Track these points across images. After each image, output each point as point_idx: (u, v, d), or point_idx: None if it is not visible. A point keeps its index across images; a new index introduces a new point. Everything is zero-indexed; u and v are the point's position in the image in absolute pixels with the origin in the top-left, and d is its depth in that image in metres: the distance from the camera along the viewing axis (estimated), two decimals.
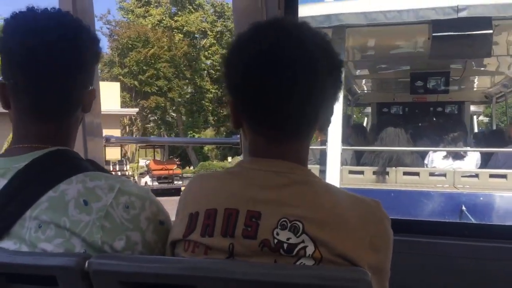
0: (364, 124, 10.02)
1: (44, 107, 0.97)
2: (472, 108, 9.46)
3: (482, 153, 4.49)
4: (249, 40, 0.89)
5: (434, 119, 7.65)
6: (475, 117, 9.94)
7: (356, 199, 0.87)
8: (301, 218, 0.81)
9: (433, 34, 3.72)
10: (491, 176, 4.02)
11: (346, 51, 5.79)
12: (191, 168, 26.41)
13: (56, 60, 0.94)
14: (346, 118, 6.14)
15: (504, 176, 3.97)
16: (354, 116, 11.87)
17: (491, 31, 3.63)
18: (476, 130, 8.84)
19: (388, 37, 4.96)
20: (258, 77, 0.85)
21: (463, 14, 3.53)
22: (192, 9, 29.75)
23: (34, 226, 0.87)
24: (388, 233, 0.86)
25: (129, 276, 0.78)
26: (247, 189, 0.86)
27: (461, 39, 3.71)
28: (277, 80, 0.84)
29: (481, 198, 3.63)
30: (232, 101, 0.93)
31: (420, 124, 6.82)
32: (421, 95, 7.56)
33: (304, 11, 3.98)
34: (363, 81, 8.67)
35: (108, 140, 1.91)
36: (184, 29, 29.02)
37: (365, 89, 9.21)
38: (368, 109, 10.53)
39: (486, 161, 4.34)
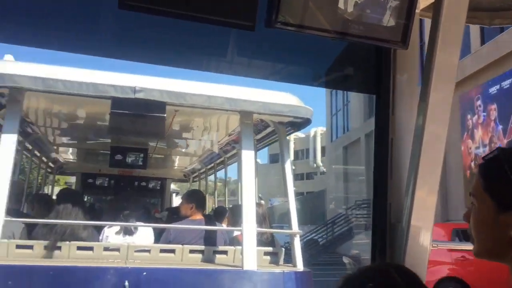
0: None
1: None
2: (172, 186, 10.16)
3: (158, 229, 4.71)
4: None
5: (132, 193, 7.83)
6: (174, 194, 10.67)
7: None
8: None
9: (112, 110, 3.83)
10: (162, 251, 4.20)
11: (42, 117, 5.49)
12: None
13: None
14: (19, 185, 5.67)
15: (173, 251, 4.20)
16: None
17: (164, 115, 3.95)
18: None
19: (76, 107, 4.92)
20: None
21: (140, 95, 3.76)
22: None
23: None
24: None
25: None
26: None
27: (137, 118, 3.93)
28: None
29: (145, 273, 3.72)
30: None
31: (112, 198, 6.84)
32: (125, 169, 7.70)
33: None
34: (69, 150, 8.36)
35: None
36: None
37: (70, 158, 8.87)
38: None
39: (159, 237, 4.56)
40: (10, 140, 3.67)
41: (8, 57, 4.05)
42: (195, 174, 9.44)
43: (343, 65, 2.51)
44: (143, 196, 9.15)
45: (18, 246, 3.93)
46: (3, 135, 3.67)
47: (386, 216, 2.14)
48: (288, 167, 4.59)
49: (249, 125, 4.29)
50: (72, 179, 11.10)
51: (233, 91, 4.18)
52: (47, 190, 9.24)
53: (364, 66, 2.53)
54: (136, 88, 3.73)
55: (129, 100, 3.74)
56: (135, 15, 2.01)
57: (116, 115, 3.87)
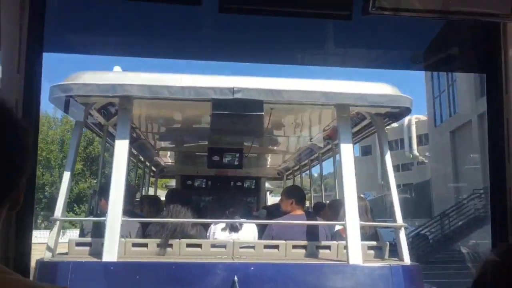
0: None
1: None
2: (267, 184, 10.31)
3: (260, 225, 4.81)
4: None
5: (231, 192, 8.06)
6: (268, 192, 10.82)
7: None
8: None
9: (213, 112, 3.99)
10: (266, 247, 4.29)
11: (144, 123, 5.86)
12: None
13: None
14: (133, 188, 6.04)
15: (276, 247, 4.27)
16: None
17: (262, 113, 4.04)
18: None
19: (178, 111, 5.18)
20: None
21: (238, 95, 3.87)
22: None
23: None
24: None
25: None
26: None
27: (237, 118, 4.06)
28: None
29: (252, 268, 3.82)
30: None
31: (216, 197, 7.09)
32: (222, 169, 7.97)
33: (88, 78, 3.93)
34: (167, 153, 8.81)
35: None
36: None
37: (170, 161, 9.34)
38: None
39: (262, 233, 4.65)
40: (123, 146, 3.97)
41: (117, 68, 4.38)
42: (288, 172, 9.51)
43: (446, 45, 2.39)
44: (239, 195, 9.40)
45: (134, 245, 4.22)
46: (117, 141, 3.97)
47: (506, 202, 2.01)
48: (389, 159, 4.46)
49: (346, 119, 4.25)
50: (171, 182, 11.68)
51: (328, 85, 4.16)
52: (150, 193, 9.80)
53: (469, 44, 2.39)
54: (235, 88, 3.85)
55: (228, 101, 3.87)
56: (232, 18, 2.09)
57: (217, 116, 4.02)
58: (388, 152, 4.52)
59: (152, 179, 9.77)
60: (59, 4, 1.86)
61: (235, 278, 3.63)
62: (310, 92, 4.08)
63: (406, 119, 44.51)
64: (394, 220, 4.28)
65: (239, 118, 4.08)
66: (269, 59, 2.81)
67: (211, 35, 2.29)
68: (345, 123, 4.25)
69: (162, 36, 2.29)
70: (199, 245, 4.24)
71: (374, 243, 4.37)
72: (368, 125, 5.04)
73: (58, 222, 4.04)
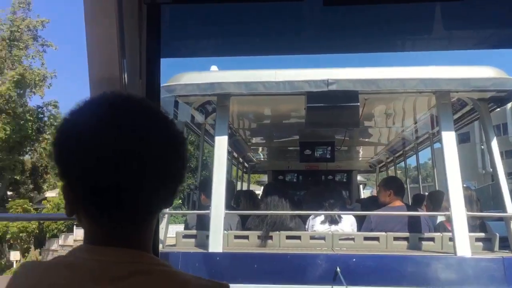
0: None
1: None
2: (359, 177, 10.13)
3: (357, 218, 4.76)
4: (80, 119, 0.85)
5: (324, 186, 8.04)
6: (361, 186, 10.61)
7: (202, 285, 0.83)
8: None
9: (308, 105, 4.01)
10: (365, 238, 4.24)
11: (237, 120, 6.03)
12: None
13: None
14: (230, 183, 6.23)
15: (376, 238, 4.21)
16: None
17: (357, 104, 3.99)
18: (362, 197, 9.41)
19: (272, 106, 5.26)
20: (94, 158, 0.79)
21: (332, 87, 3.86)
22: None
23: None
24: None
25: None
26: (78, 283, 0.78)
27: (332, 109, 4.04)
28: (114, 165, 0.79)
29: (354, 260, 3.80)
30: (65, 185, 0.86)
31: (308, 191, 7.11)
32: (313, 163, 7.99)
33: (187, 78, 4.13)
34: (259, 149, 8.97)
35: None
36: None
37: (261, 157, 9.51)
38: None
39: (360, 225, 4.60)
40: (223, 142, 4.13)
41: (214, 67, 4.56)
42: (381, 164, 9.28)
43: None
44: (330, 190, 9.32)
45: (236, 237, 4.37)
46: (216, 138, 4.14)
47: None
48: (495, 147, 4.21)
49: (447, 105, 4.07)
50: (263, 177, 11.85)
51: (426, 71, 4.01)
52: (244, 188, 10.03)
53: None
54: (329, 80, 3.85)
55: (323, 93, 3.88)
56: (333, 10, 2.09)
57: (311, 109, 4.04)
58: (495, 138, 4.26)
59: (245, 175, 10.01)
60: (171, 15, 1.98)
61: (338, 269, 3.64)
62: (408, 80, 3.96)
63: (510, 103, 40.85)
64: (504, 210, 4.03)
65: (334, 110, 4.07)
66: (368, 48, 2.77)
67: (311, 30, 2.32)
68: (446, 110, 4.07)
69: (263, 33, 2.35)
70: (299, 237, 4.29)
71: (482, 234, 4.16)
72: (470, 111, 4.78)
73: (166, 216, 4.29)
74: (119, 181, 0.80)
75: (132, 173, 0.80)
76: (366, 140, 7.51)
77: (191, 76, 4.13)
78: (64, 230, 27.91)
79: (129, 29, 1.62)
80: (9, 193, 30.50)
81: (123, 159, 0.80)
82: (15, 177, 28.62)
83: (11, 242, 27.57)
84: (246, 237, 4.37)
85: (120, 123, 0.82)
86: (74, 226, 26.94)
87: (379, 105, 5.18)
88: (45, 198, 30.89)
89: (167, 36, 1.91)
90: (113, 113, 0.84)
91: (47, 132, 28.44)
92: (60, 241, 27.61)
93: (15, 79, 25.84)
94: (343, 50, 2.56)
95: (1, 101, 25.54)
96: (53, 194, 30.52)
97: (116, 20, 1.48)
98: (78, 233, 26.45)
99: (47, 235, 28.67)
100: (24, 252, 27.83)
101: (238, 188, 8.30)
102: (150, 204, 0.86)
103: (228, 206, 4.63)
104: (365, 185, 12.09)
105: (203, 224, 4.36)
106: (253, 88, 3.99)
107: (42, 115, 28.92)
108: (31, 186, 31.80)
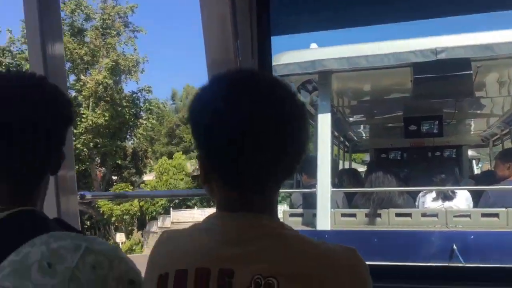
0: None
1: (11, 168, 0.96)
2: (470, 153, 9.50)
3: (473, 194, 4.48)
4: (211, 95, 0.89)
5: (430, 163, 7.66)
6: (474, 161, 9.94)
7: (330, 249, 0.84)
8: (275, 274, 0.77)
9: (414, 77, 3.83)
10: (483, 215, 4.00)
11: (336, 97, 5.94)
12: None
13: (27, 120, 0.95)
14: (335, 162, 6.17)
15: (496, 215, 3.95)
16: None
17: (470, 72, 3.73)
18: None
19: (375, 81, 5.10)
20: (224, 132, 0.83)
21: (441, 56, 3.65)
22: None
23: None
24: (366, 281, 0.84)
25: None
26: (217, 246, 0.83)
27: (441, 80, 3.82)
28: (243, 135, 0.82)
29: (472, 237, 3.60)
30: (200, 155, 0.91)
31: (414, 168, 6.84)
32: (418, 139, 7.63)
33: (287, 58, 4.14)
34: (360, 127, 8.78)
35: (83, 197, 1.85)
36: None
37: (362, 135, 9.30)
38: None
39: (476, 201, 4.34)
40: (326, 120, 4.10)
41: (313, 45, 4.52)
42: (495, 137, 8.61)
43: None
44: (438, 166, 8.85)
45: (343, 215, 4.35)
46: (319, 116, 4.13)
47: None
48: None
49: None
50: (366, 157, 11.59)
51: None
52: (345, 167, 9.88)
53: None
54: (437, 49, 3.64)
55: (431, 63, 3.68)
56: None
57: (418, 81, 3.86)
58: None
59: (346, 155, 9.86)
60: None
61: (454, 246, 3.48)
62: None
63: None
64: None
65: (444, 81, 3.84)
66: (484, 7, 2.55)
67: None
68: None
69: (350, 4, 2.26)
70: (409, 215, 4.16)
71: None
72: None
73: None
74: (247, 152, 0.83)
75: (259, 145, 0.83)
76: (478, 111, 7.01)
77: (291, 55, 4.14)
78: (162, 212, 29.23)
79: (241, 11, 1.66)
80: (114, 177, 32.47)
81: (252, 131, 0.83)
82: (117, 162, 30.11)
83: (116, 224, 29.55)
84: (354, 215, 4.33)
85: (250, 97, 0.85)
86: (171, 208, 28.33)
87: (493, 72, 4.79)
88: (143, 182, 32.81)
89: (276, 13, 1.93)
90: (242, 88, 0.87)
91: (143, 118, 29.78)
92: (159, 223, 28.90)
93: (109, 66, 26.87)
94: (454, 13, 2.40)
95: (99, 89, 26.67)
96: (150, 177, 32.33)
97: (229, 5, 1.53)
98: (175, 216, 27.76)
99: (147, 218, 30.40)
100: (128, 234, 29.83)
101: (343, 167, 8.22)
102: (276, 174, 0.89)
103: (332, 185, 4.62)
104: (479, 160, 11.29)
105: (308, 202, 4.40)
106: (356, 63, 3.90)
107: (138, 101, 29.81)
108: (133, 170, 33.55)
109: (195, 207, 28.56)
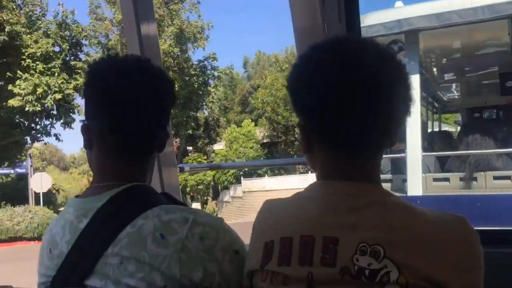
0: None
1: (128, 146, 1.01)
2: None
3: None
4: (311, 62, 0.89)
5: None
6: None
7: (439, 217, 0.81)
8: (381, 241, 0.76)
9: None
10: None
11: (424, 57, 5.65)
12: None
13: (141, 100, 0.98)
14: (425, 125, 5.91)
15: None
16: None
17: None
18: None
19: (467, 37, 4.77)
20: (327, 97, 0.83)
21: None
22: None
23: (116, 262, 0.89)
24: (476, 250, 0.80)
25: None
26: (321, 214, 0.83)
27: None
28: (347, 99, 0.82)
29: None
30: (302, 124, 0.91)
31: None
32: None
33: (371, 19, 3.97)
34: (450, 86, 8.31)
35: (182, 170, 1.94)
36: None
37: (454, 94, 8.81)
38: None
39: None
40: (414, 82, 3.89)
41: (398, 3, 4.29)
42: None
43: None
44: None
45: (435, 179, 4.19)
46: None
47: None
48: None
49: None
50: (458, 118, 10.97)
51: None
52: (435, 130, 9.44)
53: None
54: None
55: None
56: None
57: None
58: None
59: (435, 116, 9.41)
60: None
61: None
62: None
63: None
64: None
65: None
66: None
67: None
68: None
69: None
70: (508, 177, 3.91)
71: None
72: None
73: None
74: (349, 119, 0.82)
75: (360, 112, 0.82)
76: None
77: (375, 16, 3.97)
78: (234, 181, 29.12)
79: None
80: (188, 148, 32.45)
81: (353, 98, 0.82)
82: (189, 132, 29.54)
83: (191, 194, 30.11)
84: (447, 179, 4.16)
85: (349, 62, 0.84)
86: (242, 177, 28.55)
87: None
88: (214, 151, 32.80)
89: None
90: (340, 55, 0.86)
91: (211, 85, 29.43)
92: (231, 192, 29.08)
93: (174, 33, 26.13)
94: None
95: (166, 59, 26.00)
96: (220, 147, 32.47)
97: None
98: (245, 185, 27.46)
99: (219, 187, 30.72)
100: (203, 204, 30.45)
101: (432, 129, 7.88)
102: (380, 139, 0.87)
103: (423, 149, 4.44)
104: None
105: (398, 168, 4.29)
106: (446, 19, 3.66)
107: (205, 69, 28.86)
108: (206, 140, 33.53)
109: (266, 175, 28.49)
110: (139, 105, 0.98)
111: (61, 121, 21.19)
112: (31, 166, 22.89)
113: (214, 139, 34.00)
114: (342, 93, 0.82)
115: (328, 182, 0.87)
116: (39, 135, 21.52)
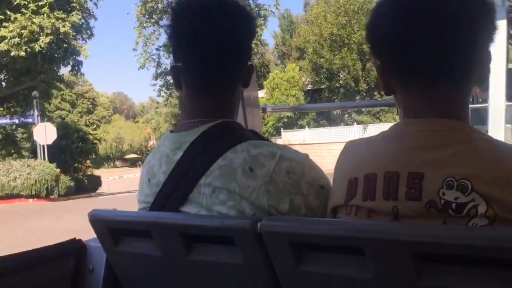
0: None
1: (211, 83, 1.05)
2: None
3: None
4: (388, 3, 0.90)
5: None
6: None
7: None
8: (468, 176, 0.77)
9: None
10: None
11: None
12: None
13: (218, 37, 1.01)
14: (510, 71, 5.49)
15: None
16: None
17: None
18: None
19: None
20: (409, 34, 0.85)
21: None
22: None
23: (208, 192, 0.96)
24: None
25: (299, 237, 0.81)
26: (406, 151, 0.84)
27: None
28: (429, 34, 0.83)
29: None
30: (381, 66, 0.93)
31: None
32: None
33: None
34: None
35: (264, 110, 1.96)
36: None
37: None
38: None
39: None
40: (500, 25, 3.60)
41: None
42: None
43: None
44: None
45: None
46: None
47: None
48: None
49: None
50: None
51: None
52: None
53: None
54: None
55: None
56: None
57: None
58: None
59: None
60: None
61: None
62: None
63: None
64: None
65: None
66: None
67: None
68: None
69: None
70: None
71: None
72: None
73: None
74: (431, 56, 0.83)
75: (443, 47, 0.83)
76: None
77: None
78: (274, 133, 28.56)
79: None
80: None
81: (434, 34, 0.82)
82: None
83: None
84: None
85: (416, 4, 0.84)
86: (281, 129, 28.06)
87: None
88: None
89: None
90: None
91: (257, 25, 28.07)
92: None
93: None
94: None
95: None
96: (261, 95, 31.61)
97: None
98: (285, 136, 27.24)
99: None
100: None
101: None
102: (463, 71, 0.85)
103: (510, 97, 4.16)
104: None
105: (479, 117, 4.05)
106: None
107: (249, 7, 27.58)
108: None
109: (306, 127, 27.77)
110: (219, 43, 1.00)
111: (65, 64, 19.39)
112: (38, 115, 19.48)
113: (261, 86, 33.85)
114: (424, 33, 0.83)
115: (412, 120, 0.87)
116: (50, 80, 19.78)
